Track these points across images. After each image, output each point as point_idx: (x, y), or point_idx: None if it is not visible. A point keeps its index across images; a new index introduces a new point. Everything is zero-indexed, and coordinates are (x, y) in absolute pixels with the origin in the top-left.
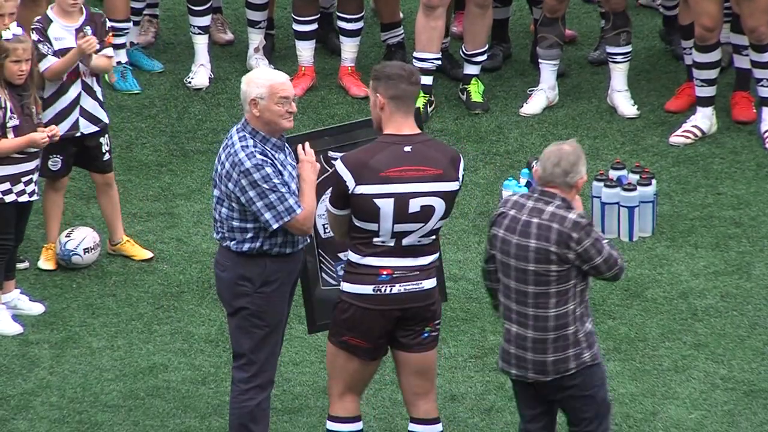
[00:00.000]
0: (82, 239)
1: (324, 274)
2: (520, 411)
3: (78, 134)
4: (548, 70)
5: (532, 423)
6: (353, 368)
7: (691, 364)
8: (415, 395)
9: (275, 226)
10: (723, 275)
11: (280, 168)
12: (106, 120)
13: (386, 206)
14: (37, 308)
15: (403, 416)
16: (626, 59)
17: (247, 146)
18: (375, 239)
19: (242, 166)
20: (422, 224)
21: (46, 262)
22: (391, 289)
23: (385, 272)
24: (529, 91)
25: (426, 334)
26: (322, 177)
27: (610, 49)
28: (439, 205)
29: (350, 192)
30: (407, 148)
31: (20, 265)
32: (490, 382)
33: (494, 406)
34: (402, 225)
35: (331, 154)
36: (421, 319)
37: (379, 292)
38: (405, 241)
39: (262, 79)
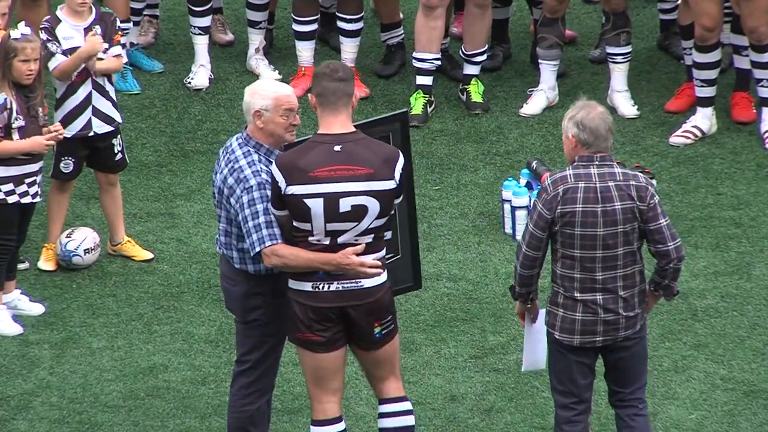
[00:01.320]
0: (83, 240)
1: None
2: (573, 383)
3: (91, 134)
4: (548, 71)
5: (585, 393)
6: (313, 364)
7: (691, 365)
8: (377, 380)
9: (255, 250)
10: (723, 275)
11: None
12: (119, 120)
13: (316, 206)
14: (37, 308)
15: None
16: (626, 59)
17: (252, 162)
18: (310, 238)
19: (247, 183)
20: (355, 223)
21: (46, 263)
22: (329, 287)
23: (321, 270)
24: (529, 91)
25: (378, 335)
26: None
27: (610, 50)
28: (372, 204)
29: (282, 192)
30: (337, 148)
31: (21, 266)
32: (490, 383)
33: (494, 406)
34: (334, 224)
35: None
36: (364, 321)
37: (317, 289)
38: (340, 240)
39: (267, 90)
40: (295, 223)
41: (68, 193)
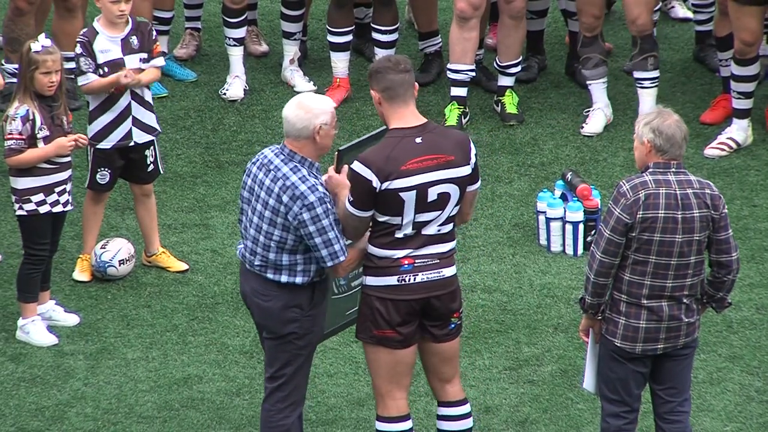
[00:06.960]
0: (118, 251)
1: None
2: (628, 392)
3: (131, 144)
4: (599, 89)
5: (636, 403)
6: (390, 361)
7: (726, 377)
8: (441, 381)
9: (329, 264)
10: (758, 287)
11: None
12: (159, 128)
13: (410, 198)
14: (72, 319)
15: None
16: (654, 84)
17: (304, 178)
18: (398, 233)
19: (306, 200)
20: (440, 212)
21: (81, 274)
22: (414, 278)
23: (406, 262)
24: (586, 112)
25: (452, 326)
26: None
27: (638, 74)
28: (453, 191)
29: (377, 191)
30: (418, 140)
31: None
32: (524, 394)
33: (529, 418)
34: (422, 215)
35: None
36: (446, 310)
37: (403, 282)
38: (424, 231)
39: (322, 106)
40: (381, 219)
41: (103, 204)
